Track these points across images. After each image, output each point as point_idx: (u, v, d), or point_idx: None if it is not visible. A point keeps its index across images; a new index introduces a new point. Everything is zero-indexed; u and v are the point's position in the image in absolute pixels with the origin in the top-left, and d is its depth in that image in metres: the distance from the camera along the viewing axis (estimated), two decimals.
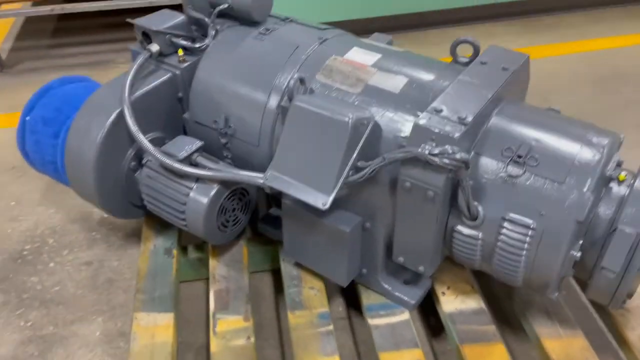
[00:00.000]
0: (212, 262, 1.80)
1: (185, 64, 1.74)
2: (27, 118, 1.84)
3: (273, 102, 1.61)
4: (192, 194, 1.58)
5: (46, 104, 1.83)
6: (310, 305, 1.66)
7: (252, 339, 1.57)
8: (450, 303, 1.65)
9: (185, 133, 1.85)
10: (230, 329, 1.60)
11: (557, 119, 1.46)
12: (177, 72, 1.74)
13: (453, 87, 1.43)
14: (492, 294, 1.78)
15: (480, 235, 1.39)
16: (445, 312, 1.63)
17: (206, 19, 1.76)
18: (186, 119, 1.80)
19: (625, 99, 2.93)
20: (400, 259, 1.54)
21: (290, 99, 1.50)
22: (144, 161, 1.70)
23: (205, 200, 1.57)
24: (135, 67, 1.68)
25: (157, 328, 1.58)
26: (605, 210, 1.33)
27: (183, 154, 1.60)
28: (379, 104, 1.48)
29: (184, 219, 1.63)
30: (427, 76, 1.53)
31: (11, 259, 2.10)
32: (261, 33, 1.73)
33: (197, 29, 1.83)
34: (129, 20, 1.80)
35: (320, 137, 1.39)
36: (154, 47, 1.73)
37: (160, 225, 1.90)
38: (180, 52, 1.75)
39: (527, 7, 3.68)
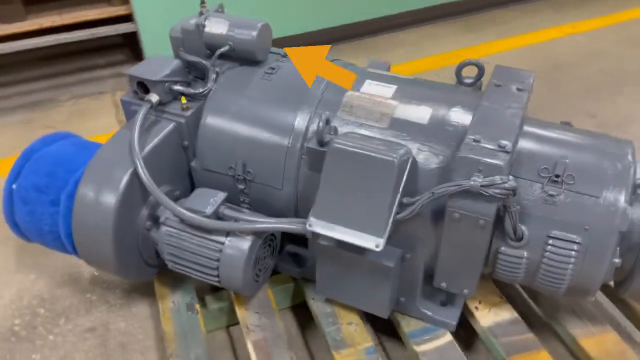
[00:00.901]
0: (241, 312, 1.73)
1: (190, 112, 1.66)
2: (14, 186, 1.68)
3: (295, 143, 1.57)
4: (226, 250, 1.52)
5: (35, 169, 1.67)
6: (353, 342, 1.64)
7: None
8: (486, 317, 1.70)
9: (191, 182, 1.77)
10: None
11: (576, 132, 1.53)
12: (182, 120, 1.66)
13: (480, 114, 1.46)
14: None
15: (525, 254, 1.44)
16: (484, 326, 1.68)
17: (204, 62, 1.68)
18: (194, 167, 1.72)
19: (569, 89, 3.13)
20: (443, 285, 1.57)
21: (320, 142, 1.47)
22: (161, 219, 1.60)
23: (243, 254, 1.51)
24: (139, 121, 1.58)
25: None
26: (638, 216, 1.42)
27: (210, 208, 1.53)
28: (410, 136, 1.49)
29: (216, 276, 1.56)
30: (449, 104, 1.55)
31: (2, 338, 1.91)
32: (267, 72, 1.68)
33: (193, 73, 1.74)
34: (123, 72, 1.68)
35: (365, 178, 1.38)
36: (154, 97, 1.63)
37: (173, 280, 1.81)
38: (184, 99, 1.66)
39: (465, 7, 3.83)
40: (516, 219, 1.37)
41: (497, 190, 1.31)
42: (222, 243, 1.53)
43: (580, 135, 1.51)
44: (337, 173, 1.41)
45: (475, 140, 1.38)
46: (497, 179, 1.31)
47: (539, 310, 1.81)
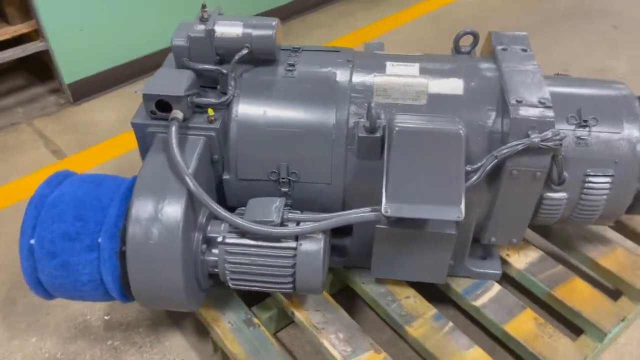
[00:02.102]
0: (302, 314, 1.71)
1: (218, 123, 1.57)
2: (32, 241, 1.47)
3: (340, 135, 1.57)
4: (301, 254, 1.49)
5: (57, 216, 1.48)
6: (419, 313, 1.72)
7: None
8: (518, 261, 1.87)
9: (222, 195, 1.69)
10: None
11: (580, 80, 1.72)
12: (212, 134, 1.56)
13: (509, 77, 1.58)
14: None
15: (566, 195, 1.61)
16: (520, 269, 1.84)
17: (221, 69, 1.60)
18: (228, 179, 1.64)
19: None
20: (493, 239, 1.69)
21: (372, 129, 1.50)
22: (218, 239, 1.51)
23: (319, 254, 1.49)
24: (174, 140, 1.46)
25: None
26: None
27: (277, 216, 1.48)
28: (452, 108, 1.57)
29: (291, 282, 1.53)
30: (473, 72, 1.65)
31: None
32: (288, 70, 1.64)
33: (204, 81, 1.65)
34: (136, 91, 1.54)
35: (434, 154, 1.43)
36: (179, 114, 1.52)
37: (216, 301, 1.73)
38: (211, 111, 1.56)
39: None
40: (562, 164, 1.52)
41: (551, 143, 1.44)
42: (294, 248, 1.49)
43: (585, 82, 1.71)
44: (405, 154, 1.44)
45: (517, 101, 1.49)
46: (550, 132, 1.44)
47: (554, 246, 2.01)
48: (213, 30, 1.58)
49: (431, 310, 1.73)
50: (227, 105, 1.61)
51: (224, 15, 1.64)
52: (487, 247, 1.84)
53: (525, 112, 1.47)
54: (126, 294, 1.53)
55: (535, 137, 1.44)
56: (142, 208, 1.41)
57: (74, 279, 1.49)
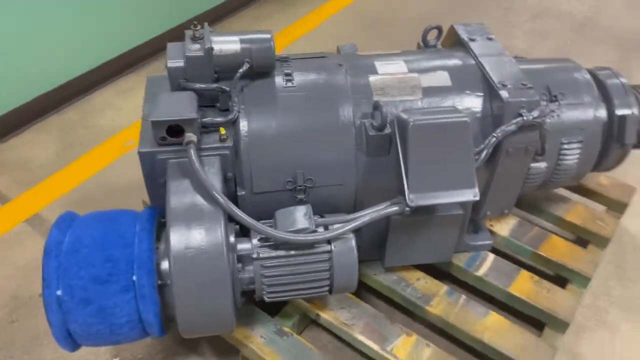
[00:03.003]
0: (328, 315, 1.76)
1: (229, 141, 1.57)
2: (59, 292, 1.38)
3: (349, 137, 1.63)
4: (336, 256, 1.54)
5: (83, 261, 1.39)
6: (433, 292, 1.84)
7: (433, 346, 1.69)
8: (502, 229, 2.05)
9: None
10: (409, 348, 1.68)
11: (537, 60, 1.93)
12: (227, 152, 1.56)
13: (487, 64, 1.74)
14: None
15: (545, 164, 1.81)
16: (505, 235, 2.03)
17: (223, 87, 1.59)
18: (243, 195, 1.64)
19: (397, 37, 3.61)
20: (488, 213, 1.86)
21: (381, 127, 1.58)
22: (253, 255, 1.52)
23: (353, 253, 1.55)
24: (196, 163, 1.44)
25: None
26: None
27: (310, 223, 1.51)
28: (446, 99, 1.70)
29: (328, 285, 1.57)
30: (453, 64, 1.79)
31: None
32: (287, 80, 1.67)
33: (202, 100, 1.62)
34: (143, 119, 1.48)
35: (447, 143, 1.55)
36: (194, 137, 1.49)
37: (240, 319, 1.72)
38: (223, 130, 1.55)
39: None
40: (545, 136, 1.71)
41: (540, 119, 1.62)
42: (329, 251, 1.54)
43: (544, 62, 1.92)
44: (420, 147, 1.54)
45: (503, 85, 1.66)
46: (538, 110, 1.62)
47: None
48: (212, 48, 1.56)
49: (442, 288, 1.86)
50: (234, 123, 1.60)
51: (215, 32, 1.63)
52: (476, 221, 2.00)
53: (514, 94, 1.63)
54: (164, 327, 1.48)
55: (528, 116, 1.61)
56: (181, 239, 1.38)
57: (110, 323, 1.42)
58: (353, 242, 1.56)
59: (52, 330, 1.41)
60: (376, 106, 1.60)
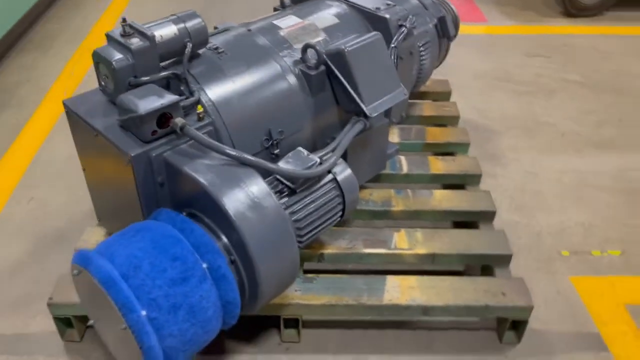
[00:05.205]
0: (330, 249, 1.90)
1: (208, 117, 1.58)
2: (144, 312, 1.25)
3: (294, 84, 1.79)
4: (342, 181, 1.70)
5: (150, 272, 1.28)
6: (387, 197, 2.14)
7: (418, 229, 2.00)
8: (393, 138, 2.45)
9: None
10: (405, 239, 1.95)
11: None
12: (211, 128, 1.58)
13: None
14: None
15: (417, 66, 2.26)
16: (400, 141, 2.44)
17: (177, 73, 1.59)
18: None
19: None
20: (393, 120, 2.22)
21: (317, 65, 1.79)
22: (283, 207, 1.58)
23: (351, 173, 1.73)
24: (207, 138, 1.45)
25: None
26: None
27: (315, 157, 1.65)
28: (342, 32, 1.98)
29: (342, 210, 1.72)
30: (329, 7, 2.07)
31: None
32: (218, 52, 1.73)
33: None
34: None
35: (374, 58, 1.84)
36: (182, 120, 1.48)
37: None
38: (200, 108, 1.55)
39: None
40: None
41: (415, 25, 2.05)
42: (335, 179, 1.70)
43: None
44: (360, 67, 1.80)
45: (377, 8, 2.03)
46: (409, 20, 2.04)
47: None
48: (154, 36, 1.53)
49: (390, 191, 2.16)
50: (198, 102, 1.61)
51: (135, 23, 1.58)
52: None
53: (390, 13, 2.01)
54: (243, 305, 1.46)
55: (407, 24, 2.01)
56: (236, 203, 1.38)
57: (201, 320, 1.34)
58: (346, 165, 1.75)
59: (146, 357, 1.26)
60: (307, 47, 1.79)
